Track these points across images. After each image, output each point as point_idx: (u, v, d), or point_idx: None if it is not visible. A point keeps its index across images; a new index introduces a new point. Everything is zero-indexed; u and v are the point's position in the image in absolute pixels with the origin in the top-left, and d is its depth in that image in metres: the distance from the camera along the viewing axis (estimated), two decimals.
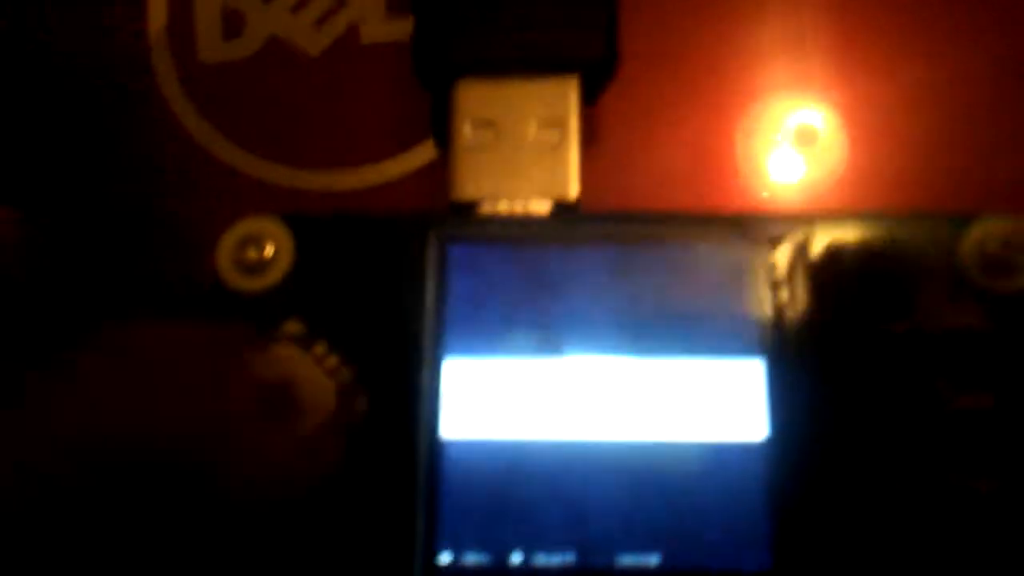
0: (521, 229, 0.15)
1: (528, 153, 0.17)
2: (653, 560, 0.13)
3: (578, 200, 0.16)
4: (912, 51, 0.20)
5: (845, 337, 0.14)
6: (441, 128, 0.17)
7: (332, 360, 0.15)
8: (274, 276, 0.15)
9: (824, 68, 0.20)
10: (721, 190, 0.19)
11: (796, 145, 0.20)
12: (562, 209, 0.16)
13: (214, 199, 0.19)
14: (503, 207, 0.16)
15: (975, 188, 0.19)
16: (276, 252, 0.15)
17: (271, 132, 0.19)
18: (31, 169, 0.19)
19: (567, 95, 0.17)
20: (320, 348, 0.15)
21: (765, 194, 0.19)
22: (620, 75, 0.18)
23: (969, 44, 0.20)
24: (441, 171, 0.17)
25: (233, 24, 0.20)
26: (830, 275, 0.15)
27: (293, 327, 0.15)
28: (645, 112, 0.20)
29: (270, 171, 0.19)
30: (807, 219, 0.15)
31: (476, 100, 0.17)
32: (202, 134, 0.19)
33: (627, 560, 0.13)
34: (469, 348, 0.14)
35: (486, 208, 0.16)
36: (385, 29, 0.20)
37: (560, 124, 0.17)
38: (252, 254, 0.15)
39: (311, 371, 0.14)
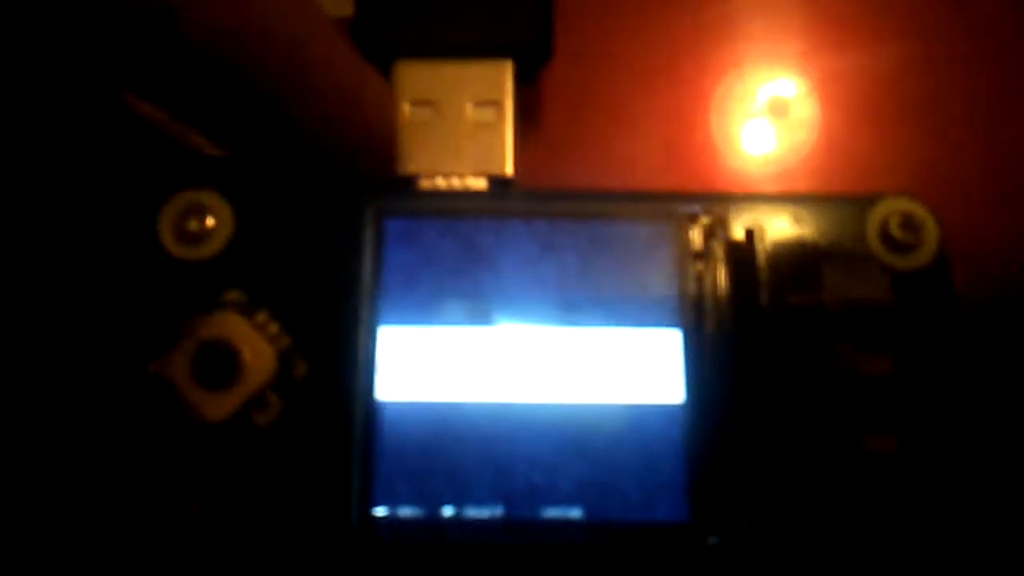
0: (455, 203, 0.16)
1: (465, 131, 0.17)
2: (575, 513, 0.14)
3: (513, 177, 0.17)
4: (885, 24, 0.21)
5: (756, 309, 0.15)
6: None
7: (273, 327, 0.15)
8: (215, 246, 0.16)
9: (797, 40, 0.21)
10: (695, 163, 0.20)
11: (769, 117, 0.20)
12: (497, 185, 0.17)
13: None
14: (441, 182, 0.17)
15: (947, 159, 0.20)
16: (216, 223, 0.16)
17: None
18: None
19: (502, 77, 0.18)
20: (261, 316, 0.15)
21: (737, 164, 0.20)
22: (596, 48, 0.19)
23: (943, 19, 0.21)
24: None
25: None
26: (743, 252, 0.16)
27: (235, 295, 0.15)
28: (619, 88, 0.20)
29: None
30: (723, 199, 0.16)
31: (415, 80, 0.17)
32: None
33: (551, 513, 0.14)
34: (404, 317, 0.15)
35: (424, 183, 0.17)
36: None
37: (495, 104, 0.17)
38: (193, 225, 0.16)
39: (252, 337, 0.15)
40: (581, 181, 0.19)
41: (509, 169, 0.17)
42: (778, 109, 0.21)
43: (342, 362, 0.15)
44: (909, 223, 0.16)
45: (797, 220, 0.16)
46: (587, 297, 0.15)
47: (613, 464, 0.14)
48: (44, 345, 0.17)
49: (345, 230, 0.16)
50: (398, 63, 0.18)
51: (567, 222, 0.16)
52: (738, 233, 0.16)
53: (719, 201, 0.16)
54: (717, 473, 0.14)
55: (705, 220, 0.16)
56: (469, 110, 0.17)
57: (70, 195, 0.18)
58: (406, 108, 0.17)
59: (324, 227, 0.16)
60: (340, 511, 0.14)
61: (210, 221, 0.16)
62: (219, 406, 0.14)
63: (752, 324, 0.15)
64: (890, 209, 0.16)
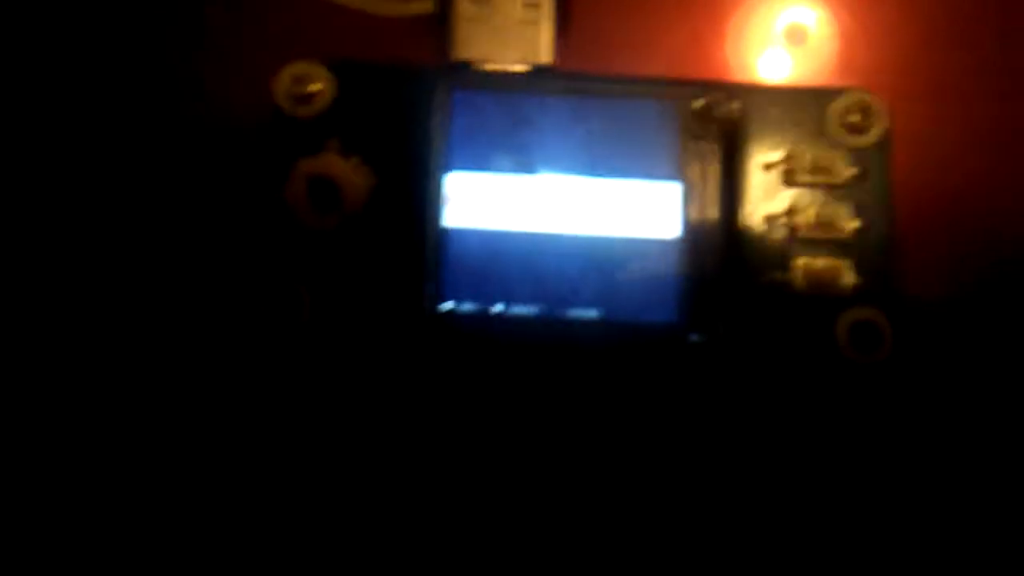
0: (506, 82, 0.20)
1: (512, 26, 0.21)
2: (593, 313, 0.19)
3: (552, 64, 0.21)
4: None
5: (734, 169, 0.20)
6: None
7: (364, 169, 0.20)
8: (319, 106, 0.20)
9: None
10: (700, 56, 0.22)
11: (786, 45, 0.22)
12: (539, 70, 0.21)
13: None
14: (492, 67, 0.21)
15: (965, 80, 0.21)
16: (321, 88, 0.20)
17: None
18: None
19: None
20: (355, 159, 0.20)
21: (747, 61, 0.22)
22: None
23: None
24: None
25: None
26: (733, 125, 0.20)
27: (334, 144, 0.20)
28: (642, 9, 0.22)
29: None
30: (720, 86, 0.20)
31: None
32: None
33: (575, 312, 0.19)
34: (465, 165, 0.20)
35: (479, 67, 0.21)
36: None
37: (537, 4, 0.22)
38: (302, 88, 0.20)
39: (348, 173, 0.19)
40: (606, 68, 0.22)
41: (548, 57, 0.21)
42: (796, 36, 0.22)
43: (418, 197, 0.19)
44: (864, 111, 0.20)
45: (776, 105, 0.20)
46: (607, 155, 0.20)
47: (624, 280, 0.19)
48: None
49: (422, 99, 0.20)
50: None
51: (593, 99, 0.20)
52: (729, 113, 0.20)
53: (715, 88, 0.20)
54: (701, 290, 0.19)
55: (702, 102, 0.20)
56: (517, 9, 0.22)
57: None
58: (465, 5, 0.21)
59: (405, 96, 0.20)
60: (417, 306, 0.19)
61: (315, 86, 0.20)
62: (326, 222, 0.19)
63: (735, 180, 0.20)
64: (850, 99, 0.20)
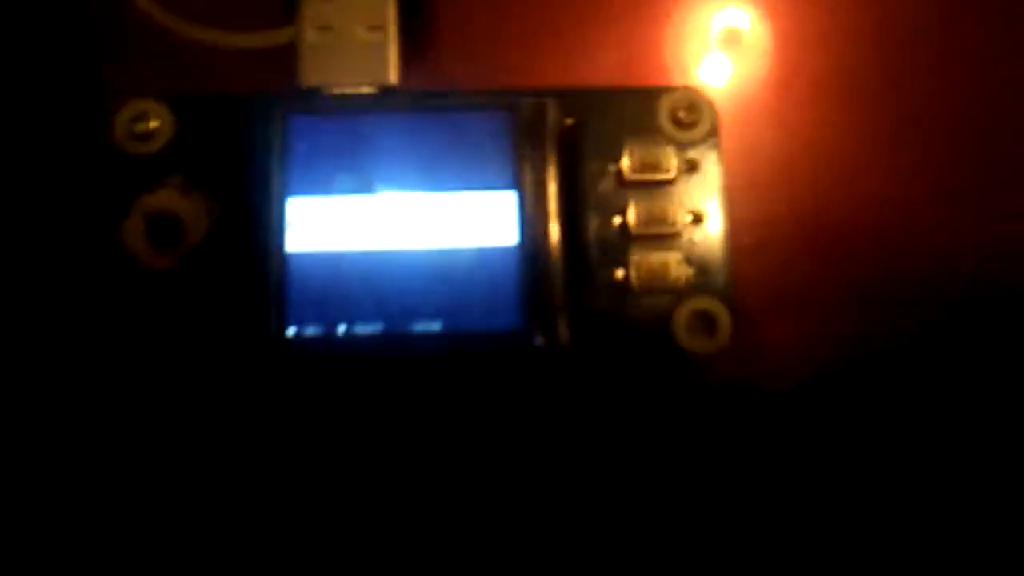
0: (347, 104, 0.21)
1: (357, 50, 0.22)
2: (436, 326, 0.19)
3: (398, 85, 0.22)
4: None
5: (569, 172, 0.20)
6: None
7: (206, 203, 0.20)
8: (159, 143, 0.20)
9: None
10: (558, 70, 0.23)
11: (722, 47, 0.23)
12: (385, 91, 0.21)
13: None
14: (338, 91, 0.22)
15: (897, 78, 0.22)
16: (160, 124, 0.20)
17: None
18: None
19: (385, 5, 0.22)
20: (197, 194, 0.20)
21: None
22: None
23: None
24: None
25: None
26: (567, 132, 0.21)
27: (175, 179, 0.20)
28: (577, 20, 0.23)
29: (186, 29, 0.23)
30: (552, 92, 0.21)
31: (317, 11, 0.22)
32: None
33: (419, 327, 0.19)
34: (306, 190, 0.20)
35: (326, 92, 0.21)
36: None
37: (381, 27, 0.22)
38: (141, 126, 0.20)
39: (190, 209, 0.20)
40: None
41: (393, 78, 0.22)
42: (732, 40, 0.23)
43: (260, 225, 0.20)
44: (692, 107, 0.21)
45: (607, 106, 0.21)
46: (446, 169, 0.20)
47: (465, 290, 0.19)
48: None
49: (260, 127, 0.20)
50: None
51: (432, 115, 0.20)
52: (562, 119, 0.21)
53: (548, 94, 0.21)
54: (542, 294, 0.19)
55: (534, 109, 0.20)
56: (362, 32, 0.22)
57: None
58: (310, 32, 0.22)
59: (244, 125, 0.20)
60: (261, 334, 0.19)
61: (154, 123, 0.20)
62: (166, 260, 0.19)
63: (565, 185, 0.20)
64: (677, 97, 0.21)
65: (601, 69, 0.23)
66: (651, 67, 0.23)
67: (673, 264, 0.20)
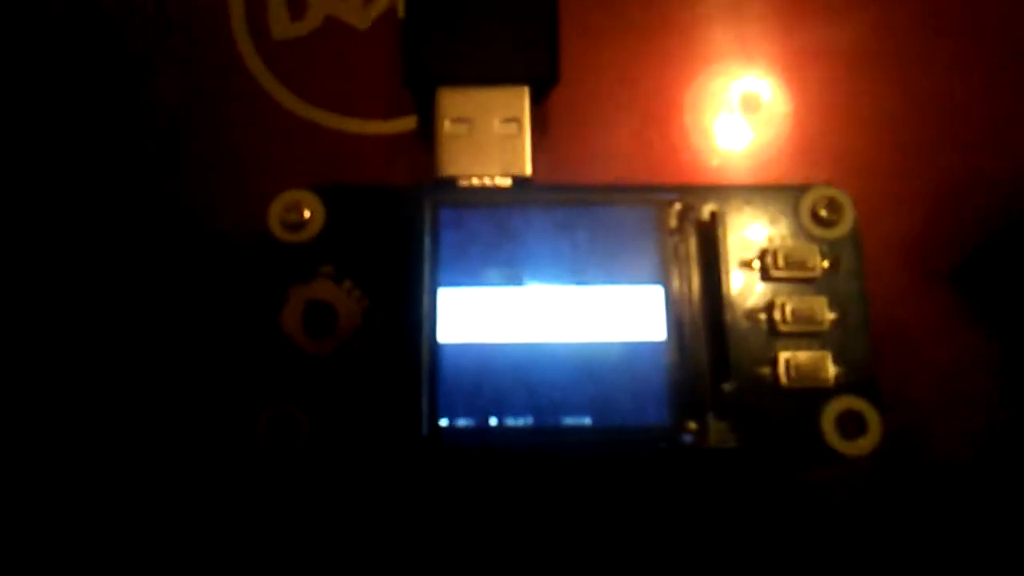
0: (490, 196, 0.21)
1: (493, 142, 0.22)
2: (586, 420, 0.19)
3: (531, 176, 0.22)
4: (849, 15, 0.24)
5: (712, 270, 0.20)
6: (424, 116, 0.23)
7: (357, 292, 0.20)
8: (311, 232, 0.21)
9: (765, 36, 0.24)
10: (671, 160, 0.24)
11: (742, 112, 0.23)
12: (520, 182, 0.22)
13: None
14: (475, 182, 0.22)
15: (911, 145, 0.23)
16: (312, 214, 0.21)
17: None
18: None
19: (520, 99, 0.23)
20: (348, 283, 0.20)
21: (715, 162, 0.24)
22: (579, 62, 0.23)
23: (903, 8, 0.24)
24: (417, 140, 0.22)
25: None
26: (708, 228, 0.21)
27: (327, 269, 0.21)
28: (593, 94, 0.24)
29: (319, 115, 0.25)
30: (694, 189, 0.21)
31: (454, 103, 0.23)
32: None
33: (568, 421, 0.19)
34: (455, 280, 0.20)
35: (463, 183, 0.22)
36: None
37: (516, 120, 0.23)
38: (294, 216, 0.21)
39: (343, 298, 0.20)
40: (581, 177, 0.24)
41: (528, 170, 0.22)
42: (750, 104, 0.24)
43: (411, 316, 0.20)
44: (832, 205, 0.21)
45: (749, 204, 0.21)
46: (591, 263, 0.20)
47: (614, 385, 0.20)
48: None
49: (409, 218, 0.21)
50: (440, 89, 0.23)
51: (575, 209, 0.21)
52: (704, 215, 0.21)
53: (690, 191, 0.21)
54: (690, 390, 0.20)
55: (679, 206, 0.21)
56: (496, 125, 0.23)
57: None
58: (447, 124, 0.22)
59: (393, 215, 0.21)
60: (413, 425, 0.19)
61: (307, 213, 0.21)
62: (322, 348, 0.20)
63: (712, 281, 0.20)
64: (817, 195, 0.21)
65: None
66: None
67: (825, 363, 0.20)
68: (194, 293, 0.22)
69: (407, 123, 0.25)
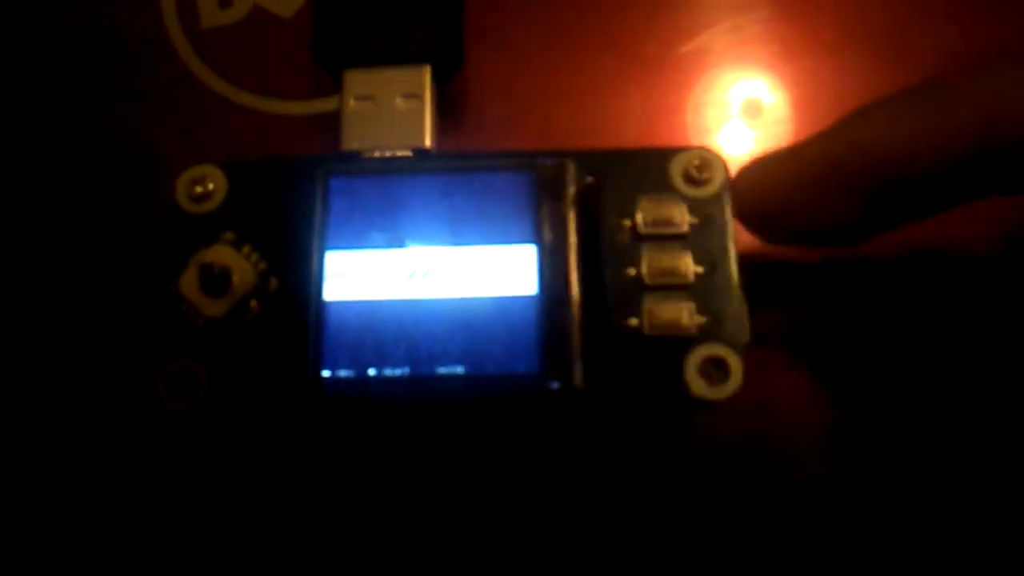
0: (384, 166, 0.23)
1: (395, 117, 0.24)
2: (460, 369, 0.21)
3: (432, 148, 0.24)
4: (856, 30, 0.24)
5: (590, 229, 0.21)
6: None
7: (255, 256, 0.22)
8: (215, 203, 0.23)
9: (766, 42, 0.25)
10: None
11: (744, 118, 0.24)
12: (420, 154, 0.23)
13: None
14: (377, 154, 0.24)
15: None
16: (215, 187, 0.23)
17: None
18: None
19: (422, 76, 0.24)
20: (247, 248, 0.22)
21: None
22: (567, 52, 0.24)
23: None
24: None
25: None
26: (586, 190, 0.22)
27: (228, 235, 0.22)
28: (593, 88, 0.25)
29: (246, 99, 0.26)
30: (572, 153, 0.22)
31: (358, 81, 0.24)
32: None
33: (442, 370, 0.21)
34: (342, 244, 0.22)
35: (365, 156, 0.23)
36: None
37: (418, 96, 0.24)
38: (199, 189, 0.23)
39: (239, 261, 0.22)
40: None
41: (428, 143, 0.24)
42: (752, 110, 0.25)
43: (301, 276, 0.21)
44: (702, 165, 0.22)
45: (623, 166, 0.22)
46: (470, 225, 0.22)
47: (487, 337, 0.21)
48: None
49: (303, 187, 0.22)
50: (346, 71, 0.24)
51: (460, 175, 0.22)
52: (579, 177, 0.22)
53: (566, 155, 0.22)
54: (559, 341, 0.21)
55: (554, 169, 0.22)
56: (398, 101, 0.24)
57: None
58: (351, 101, 0.24)
59: (289, 185, 0.22)
60: (299, 374, 0.21)
61: (211, 185, 0.22)
62: (217, 308, 0.21)
63: (587, 240, 0.22)
64: (689, 156, 0.22)
65: (623, 135, 0.25)
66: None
67: (686, 313, 0.21)
68: (107, 261, 0.24)
69: (332, 103, 0.27)
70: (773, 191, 0.20)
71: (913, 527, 0.21)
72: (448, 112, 0.25)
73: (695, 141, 0.25)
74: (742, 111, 0.25)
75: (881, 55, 0.25)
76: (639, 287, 0.21)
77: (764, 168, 0.20)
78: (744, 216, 0.21)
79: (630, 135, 0.25)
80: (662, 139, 0.25)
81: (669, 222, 0.21)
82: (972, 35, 0.25)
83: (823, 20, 0.25)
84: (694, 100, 0.25)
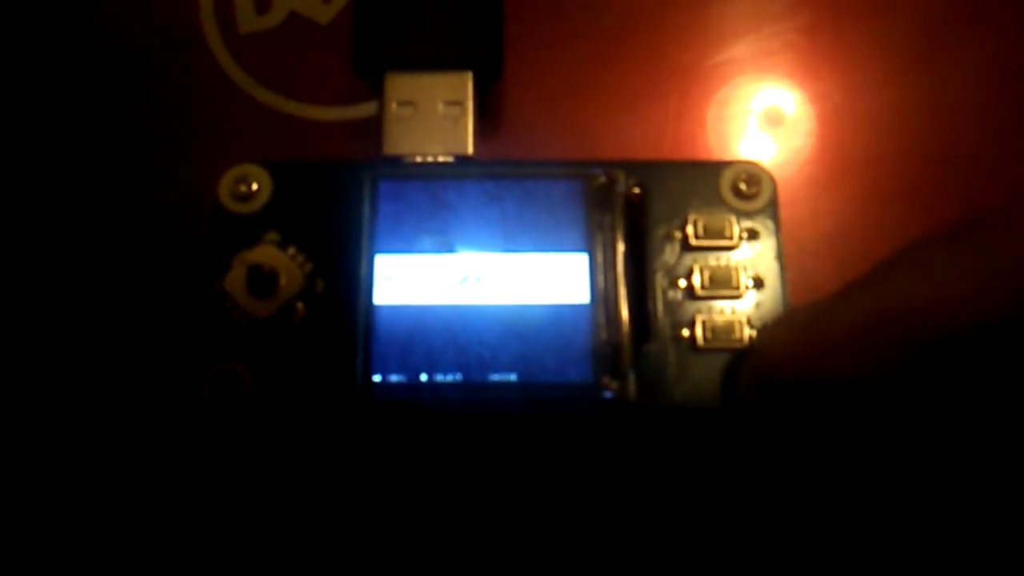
0: (429, 171, 0.23)
1: (436, 123, 0.24)
2: (512, 377, 0.20)
3: (473, 155, 0.23)
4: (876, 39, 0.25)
5: (637, 239, 0.21)
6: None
7: (300, 257, 0.22)
8: (259, 203, 0.22)
9: (789, 51, 0.25)
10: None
11: (764, 126, 0.24)
12: (461, 161, 0.23)
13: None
14: (419, 160, 0.23)
15: (940, 159, 0.23)
16: (259, 187, 0.22)
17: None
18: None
19: (464, 83, 0.24)
20: (292, 249, 0.22)
21: None
22: (602, 61, 0.25)
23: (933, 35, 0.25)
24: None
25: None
26: (633, 201, 0.22)
27: (273, 236, 0.22)
28: (615, 95, 0.25)
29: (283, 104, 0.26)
30: (620, 164, 0.22)
31: (399, 87, 0.24)
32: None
33: (495, 377, 0.20)
34: (392, 248, 0.21)
35: (407, 160, 0.23)
36: None
37: (459, 103, 0.24)
38: (243, 188, 0.22)
39: (285, 262, 0.21)
40: None
41: (470, 150, 0.24)
42: (773, 119, 0.25)
43: (350, 279, 0.21)
44: (751, 180, 0.22)
45: (673, 178, 0.22)
46: (520, 232, 0.22)
47: (539, 345, 0.21)
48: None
49: (351, 190, 0.22)
50: (387, 74, 0.24)
51: (507, 181, 0.22)
52: (630, 188, 0.22)
53: (617, 166, 0.22)
54: (611, 350, 0.21)
55: (604, 179, 0.22)
56: (440, 108, 0.24)
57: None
58: (393, 106, 0.24)
59: (336, 188, 0.22)
60: (348, 381, 0.20)
61: (255, 185, 0.22)
62: (264, 309, 0.21)
63: (635, 250, 0.22)
64: (738, 170, 0.22)
65: (659, 143, 0.25)
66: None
67: (738, 324, 0.21)
68: (151, 263, 0.24)
69: (368, 108, 0.26)
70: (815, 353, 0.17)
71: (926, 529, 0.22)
72: (484, 118, 0.25)
73: (730, 151, 0.25)
74: (766, 121, 0.25)
75: (907, 68, 0.25)
76: (690, 297, 0.21)
77: (796, 331, 0.18)
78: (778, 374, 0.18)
79: (667, 143, 0.25)
80: (698, 148, 0.25)
81: (720, 234, 0.22)
82: (997, 50, 0.25)
83: (844, 28, 0.25)
84: (727, 110, 0.25)
